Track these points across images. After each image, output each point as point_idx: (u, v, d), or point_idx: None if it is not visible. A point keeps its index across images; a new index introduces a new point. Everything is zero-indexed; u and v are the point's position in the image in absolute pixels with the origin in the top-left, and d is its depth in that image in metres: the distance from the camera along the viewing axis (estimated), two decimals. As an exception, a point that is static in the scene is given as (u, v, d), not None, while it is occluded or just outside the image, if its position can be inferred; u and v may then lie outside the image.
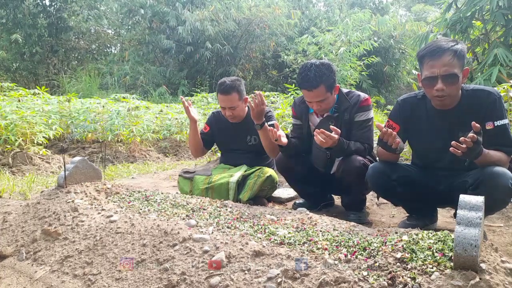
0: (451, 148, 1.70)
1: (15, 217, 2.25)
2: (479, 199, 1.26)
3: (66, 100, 6.59)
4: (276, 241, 1.60)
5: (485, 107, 1.90)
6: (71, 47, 15.90)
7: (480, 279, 1.14)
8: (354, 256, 1.40)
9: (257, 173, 2.76)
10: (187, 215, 1.99)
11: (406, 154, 3.83)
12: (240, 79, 2.90)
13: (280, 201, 3.00)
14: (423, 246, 1.34)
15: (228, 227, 1.80)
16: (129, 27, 15.34)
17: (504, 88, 3.22)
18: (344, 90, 2.53)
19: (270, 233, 1.70)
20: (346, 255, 1.41)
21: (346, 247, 1.50)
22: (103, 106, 6.23)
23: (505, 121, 1.88)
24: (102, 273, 1.63)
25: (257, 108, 2.53)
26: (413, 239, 1.40)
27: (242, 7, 13.86)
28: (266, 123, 2.63)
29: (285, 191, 3.13)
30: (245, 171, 2.85)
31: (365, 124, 2.44)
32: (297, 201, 2.83)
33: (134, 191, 2.51)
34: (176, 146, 6.79)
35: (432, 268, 1.22)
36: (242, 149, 3.01)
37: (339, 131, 2.20)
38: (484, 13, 5.51)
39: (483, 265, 1.18)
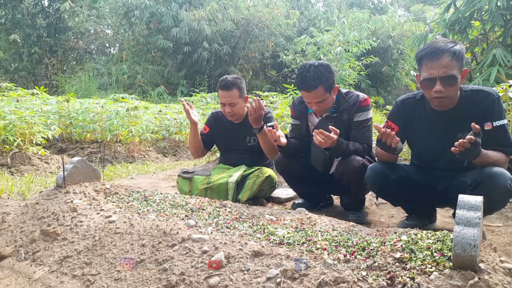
0: (452, 148, 1.70)
1: (14, 218, 2.25)
2: (478, 199, 1.26)
3: (65, 100, 6.58)
4: (275, 241, 1.60)
5: (483, 107, 1.89)
6: (70, 47, 15.88)
7: (479, 279, 1.14)
8: (353, 256, 1.40)
9: (256, 173, 2.76)
10: (186, 215, 1.99)
11: (405, 154, 3.83)
12: (241, 78, 2.91)
13: (279, 201, 3.00)
14: (422, 246, 1.34)
15: (227, 227, 1.80)
16: (127, 28, 15.34)
17: (502, 88, 3.23)
18: (343, 90, 2.53)
19: (269, 233, 1.70)
20: (345, 255, 1.41)
21: (345, 247, 1.50)
22: (102, 106, 6.23)
23: (504, 121, 1.88)
24: (101, 274, 1.63)
25: (255, 113, 2.54)
26: (412, 239, 1.40)
27: (240, 7, 13.85)
28: (265, 127, 2.63)
29: (284, 191, 3.13)
30: (244, 171, 2.85)
31: (364, 124, 2.44)
32: (296, 201, 2.83)
33: (133, 191, 2.50)
34: (175, 146, 6.79)
35: (431, 268, 1.22)
36: (241, 149, 3.01)
37: (338, 131, 2.20)
38: (483, 13, 5.51)
39: (482, 265, 1.18)
